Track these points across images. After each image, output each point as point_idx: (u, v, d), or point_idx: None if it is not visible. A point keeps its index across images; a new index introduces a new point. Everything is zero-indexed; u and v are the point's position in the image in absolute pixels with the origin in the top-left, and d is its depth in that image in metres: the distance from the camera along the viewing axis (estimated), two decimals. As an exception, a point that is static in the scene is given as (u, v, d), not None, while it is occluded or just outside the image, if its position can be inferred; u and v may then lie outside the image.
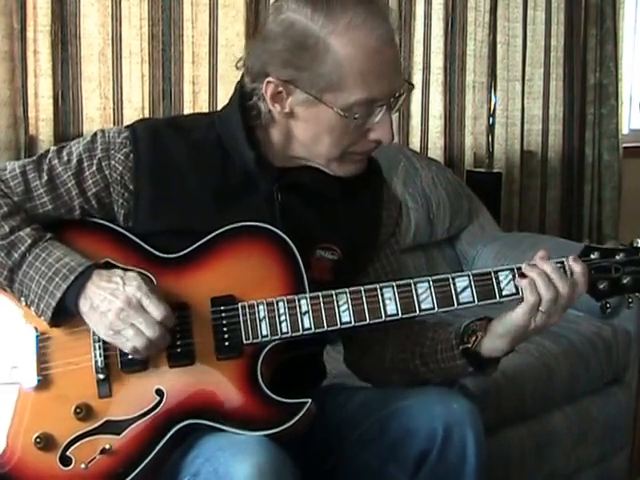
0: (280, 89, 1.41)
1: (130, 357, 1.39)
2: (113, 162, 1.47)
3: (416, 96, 3.31)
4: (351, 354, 1.64)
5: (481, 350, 1.46)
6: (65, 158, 1.48)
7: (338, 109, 1.39)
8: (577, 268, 1.40)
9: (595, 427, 2.55)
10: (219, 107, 1.59)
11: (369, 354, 1.60)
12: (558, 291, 1.38)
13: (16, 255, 1.40)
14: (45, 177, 1.46)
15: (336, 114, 1.39)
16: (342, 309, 1.40)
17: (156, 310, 1.35)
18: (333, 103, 1.39)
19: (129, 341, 1.35)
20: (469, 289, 1.41)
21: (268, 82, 1.41)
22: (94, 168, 1.47)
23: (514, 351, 1.48)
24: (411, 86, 1.48)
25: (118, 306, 1.35)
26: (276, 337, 1.40)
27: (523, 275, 1.40)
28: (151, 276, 1.42)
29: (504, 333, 1.43)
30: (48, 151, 1.50)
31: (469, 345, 1.46)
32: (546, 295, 1.38)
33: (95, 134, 1.50)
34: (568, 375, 2.43)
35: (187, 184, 1.48)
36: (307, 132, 1.44)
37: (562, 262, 1.41)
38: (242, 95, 1.50)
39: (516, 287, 1.41)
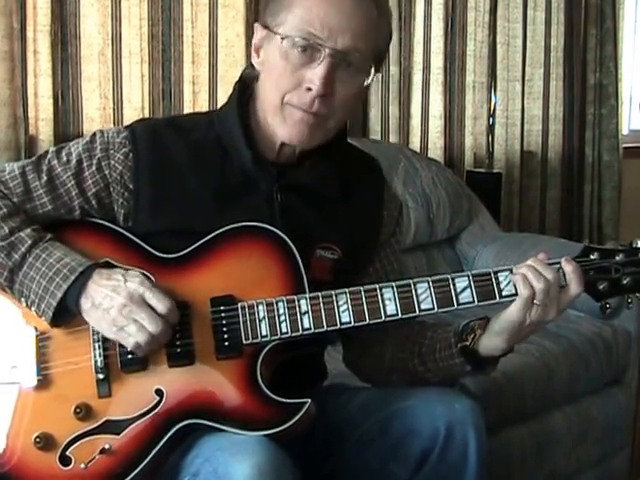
0: (259, 34, 1.47)
1: (130, 357, 1.40)
2: (113, 162, 1.47)
3: (416, 96, 3.32)
4: (350, 354, 1.64)
5: (479, 348, 1.46)
6: (64, 159, 1.48)
7: (282, 35, 1.41)
8: (568, 267, 1.40)
9: (595, 427, 2.55)
10: (219, 107, 1.59)
11: (368, 354, 1.59)
12: (549, 280, 1.38)
13: (16, 256, 1.40)
14: (45, 178, 1.46)
15: (279, 43, 1.41)
16: (342, 309, 1.40)
17: (160, 304, 1.35)
18: (281, 33, 1.42)
19: (132, 337, 1.35)
20: (469, 289, 1.41)
21: (255, 29, 1.48)
22: (94, 168, 1.47)
23: (513, 351, 1.48)
24: (376, 71, 1.47)
25: (120, 302, 1.35)
26: (276, 337, 1.40)
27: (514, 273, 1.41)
28: (151, 276, 1.42)
29: (501, 330, 1.43)
30: (47, 152, 1.50)
31: (467, 343, 1.46)
32: (537, 285, 1.38)
33: (94, 134, 1.50)
34: (568, 375, 2.43)
35: (187, 184, 1.48)
36: (263, 80, 1.47)
37: (558, 262, 1.42)
38: (240, 94, 1.50)
39: (515, 287, 1.41)
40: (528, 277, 1.39)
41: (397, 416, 1.46)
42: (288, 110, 1.44)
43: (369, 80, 1.46)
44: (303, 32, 1.40)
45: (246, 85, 1.54)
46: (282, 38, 1.41)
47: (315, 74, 1.40)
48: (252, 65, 1.52)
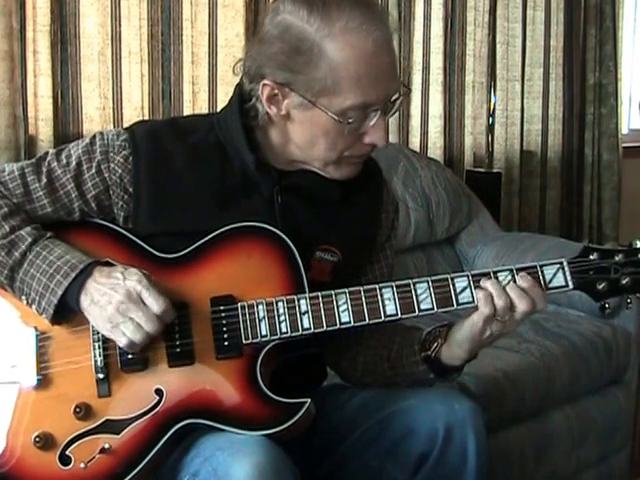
0: (276, 92, 1.41)
1: (130, 357, 1.40)
2: (112, 165, 1.46)
3: (416, 96, 3.32)
4: (330, 356, 1.63)
5: (441, 357, 1.46)
6: (64, 161, 1.47)
7: (332, 114, 1.38)
8: (525, 284, 1.39)
9: (595, 427, 2.55)
10: (219, 107, 1.59)
11: (346, 356, 1.60)
12: (511, 301, 1.38)
13: (17, 254, 1.40)
14: (44, 180, 1.46)
15: (331, 118, 1.39)
16: (341, 309, 1.40)
17: (155, 303, 1.35)
18: (327, 107, 1.38)
19: (127, 335, 1.35)
20: (468, 289, 1.41)
21: (264, 84, 1.41)
22: (93, 171, 1.47)
23: (476, 358, 1.47)
24: (407, 90, 1.47)
25: (118, 299, 1.35)
26: (275, 337, 1.40)
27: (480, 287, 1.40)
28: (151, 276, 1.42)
29: (462, 341, 1.43)
30: (47, 153, 1.50)
31: (429, 352, 1.47)
32: (498, 303, 1.38)
33: (94, 136, 1.50)
34: (568, 375, 2.43)
35: (186, 186, 1.48)
36: (303, 135, 1.44)
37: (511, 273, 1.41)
38: (241, 97, 1.50)
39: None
40: (493, 295, 1.38)
41: (396, 416, 1.46)
42: (346, 160, 1.46)
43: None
44: (357, 104, 1.37)
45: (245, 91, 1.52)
46: (337, 120, 1.38)
47: (377, 136, 1.41)
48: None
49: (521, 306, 1.38)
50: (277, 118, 1.44)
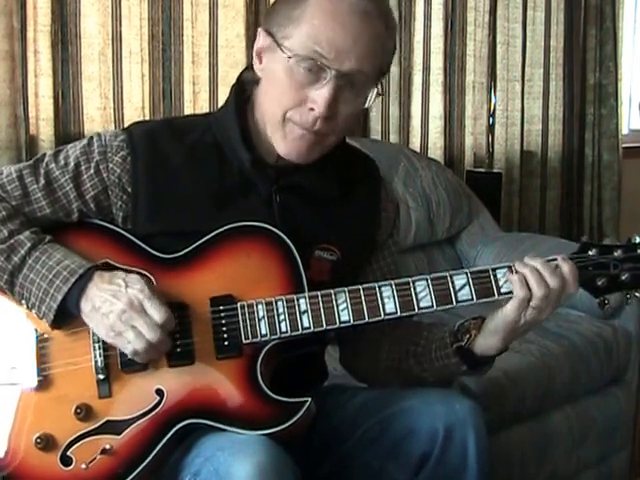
0: (262, 40, 1.45)
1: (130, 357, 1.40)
2: (111, 165, 1.47)
3: (416, 96, 3.32)
4: (346, 355, 1.64)
5: (474, 348, 1.46)
6: (62, 162, 1.47)
7: (288, 52, 1.40)
8: (565, 267, 1.40)
9: (595, 427, 2.56)
10: (217, 109, 1.59)
11: (364, 355, 1.60)
12: (549, 287, 1.38)
13: (16, 259, 1.40)
14: (42, 181, 1.46)
15: (285, 60, 1.40)
16: (341, 308, 1.40)
17: (157, 313, 1.35)
18: (287, 49, 1.40)
19: (130, 343, 1.35)
20: (467, 287, 1.41)
21: (258, 34, 1.46)
22: (92, 171, 1.47)
23: (508, 350, 1.48)
24: (379, 94, 1.46)
25: (120, 308, 1.35)
26: (275, 336, 1.40)
27: (514, 271, 1.41)
28: (150, 276, 1.42)
29: (496, 330, 1.43)
30: (45, 155, 1.50)
31: (462, 343, 1.46)
32: (538, 292, 1.38)
33: (92, 137, 1.50)
34: (569, 375, 2.43)
35: (184, 186, 1.48)
36: (264, 90, 1.47)
37: (554, 259, 1.41)
38: (238, 97, 1.50)
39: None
40: (528, 279, 1.39)
41: (397, 416, 1.46)
42: (289, 126, 1.44)
43: (371, 101, 1.45)
44: (310, 51, 1.39)
45: (244, 88, 1.53)
46: (288, 55, 1.40)
47: (319, 95, 1.40)
48: (251, 67, 1.51)
49: (554, 284, 1.37)
50: (261, 75, 1.47)
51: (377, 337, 1.56)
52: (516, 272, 1.40)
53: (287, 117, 1.43)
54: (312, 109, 1.41)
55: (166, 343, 1.37)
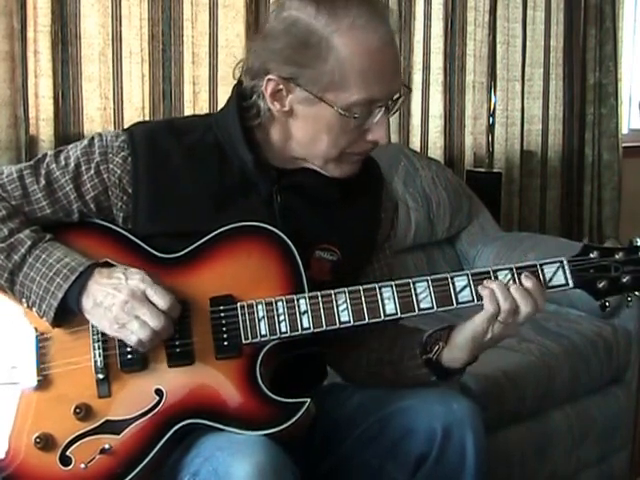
0: (280, 87, 1.41)
1: (130, 357, 1.40)
2: (111, 166, 1.46)
3: (416, 96, 3.32)
4: (331, 354, 1.63)
5: (442, 360, 1.46)
6: (63, 162, 1.47)
7: (338, 108, 1.39)
8: (529, 283, 1.40)
9: (595, 427, 2.56)
10: (219, 107, 1.59)
11: (347, 357, 1.59)
12: (515, 303, 1.38)
13: (16, 257, 1.40)
14: (43, 181, 1.46)
15: (336, 113, 1.39)
16: (341, 309, 1.40)
17: (162, 300, 1.35)
18: (334, 102, 1.39)
19: (134, 334, 1.35)
20: (468, 288, 1.41)
21: (269, 80, 1.41)
22: (92, 172, 1.46)
23: (477, 361, 1.47)
24: (408, 89, 1.48)
25: (122, 299, 1.35)
26: (275, 337, 1.40)
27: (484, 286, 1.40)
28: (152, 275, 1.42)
29: (463, 343, 1.43)
30: (45, 155, 1.50)
31: (430, 355, 1.46)
32: (504, 306, 1.38)
33: (92, 138, 1.50)
34: (569, 375, 2.43)
35: (185, 186, 1.48)
36: (306, 131, 1.44)
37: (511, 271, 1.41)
38: (240, 96, 1.49)
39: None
40: (496, 294, 1.38)
41: (396, 416, 1.46)
42: (346, 157, 1.46)
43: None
44: (361, 98, 1.38)
45: (245, 93, 1.52)
46: (340, 110, 1.38)
47: (380, 130, 1.42)
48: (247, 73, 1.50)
49: (525, 308, 1.38)
50: (279, 114, 1.44)
51: (359, 342, 1.56)
52: (485, 287, 1.40)
53: (346, 152, 1.45)
54: (374, 142, 1.44)
55: (169, 330, 1.37)
